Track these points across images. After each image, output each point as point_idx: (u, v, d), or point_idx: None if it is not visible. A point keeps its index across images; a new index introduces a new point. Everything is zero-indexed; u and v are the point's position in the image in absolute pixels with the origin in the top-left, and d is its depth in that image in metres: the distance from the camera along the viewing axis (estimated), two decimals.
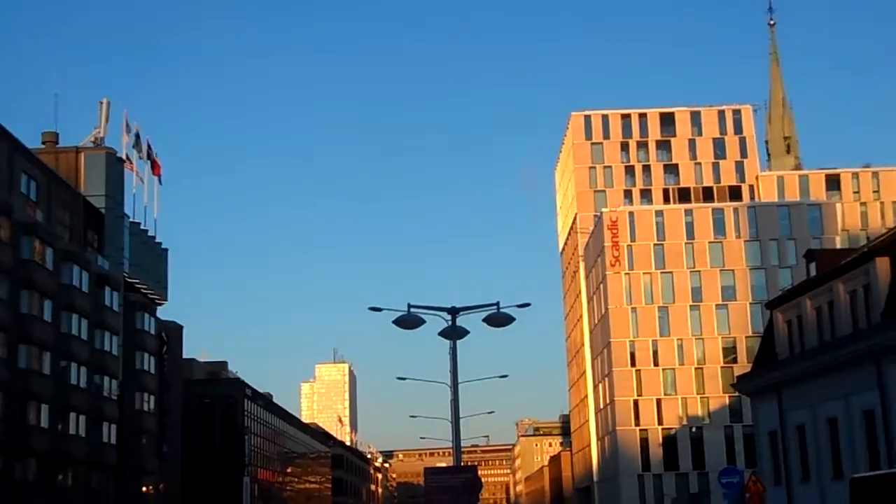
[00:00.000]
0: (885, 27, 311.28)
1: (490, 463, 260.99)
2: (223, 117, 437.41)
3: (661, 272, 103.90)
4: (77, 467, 61.57)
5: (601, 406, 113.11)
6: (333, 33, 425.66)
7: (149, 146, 76.28)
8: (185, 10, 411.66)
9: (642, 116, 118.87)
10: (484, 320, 27.11)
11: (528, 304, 30.85)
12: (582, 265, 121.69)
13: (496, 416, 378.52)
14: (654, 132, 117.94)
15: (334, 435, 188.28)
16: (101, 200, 68.81)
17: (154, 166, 77.14)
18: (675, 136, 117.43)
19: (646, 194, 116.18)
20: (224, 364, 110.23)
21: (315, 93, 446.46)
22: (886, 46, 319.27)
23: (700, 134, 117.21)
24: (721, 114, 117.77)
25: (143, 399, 72.59)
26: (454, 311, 27.47)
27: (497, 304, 27.29)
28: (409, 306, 27.00)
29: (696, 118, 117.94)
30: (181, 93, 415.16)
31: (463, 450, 32.80)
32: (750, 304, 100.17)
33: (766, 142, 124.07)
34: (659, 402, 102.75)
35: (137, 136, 75.09)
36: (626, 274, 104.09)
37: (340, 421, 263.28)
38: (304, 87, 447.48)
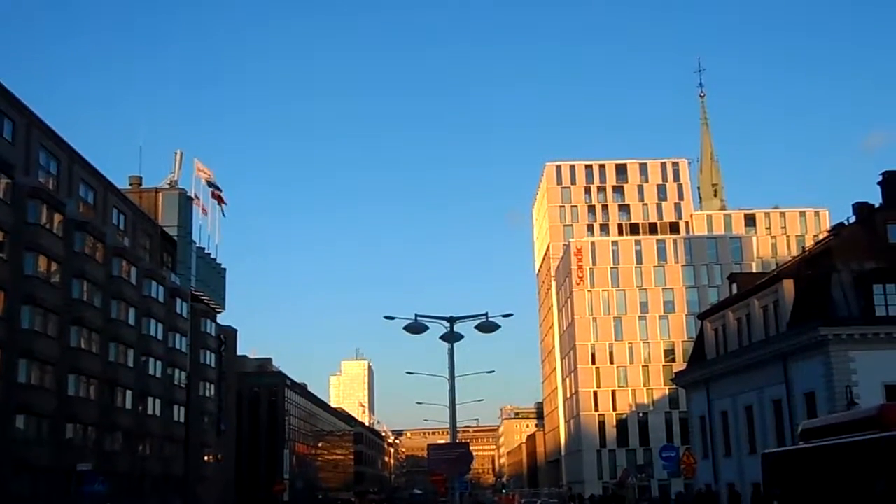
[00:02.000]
0: (790, 99, 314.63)
1: (479, 440, 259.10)
2: (274, 163, 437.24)
3: (616, 290, 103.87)
4: (153, 440, 61.43)
5: (568, 395, 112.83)
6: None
7: (217, 186, 76.43)
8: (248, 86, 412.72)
9: (602, 166, 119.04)
10: (476, 327, 26.86)
11: (510, 315, 30.50)
12: (553, 283, 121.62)
13: (484, 403, 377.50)
14: (611, 179, 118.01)
15: (356, 417, 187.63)
16: (175, 230, 68.58)
17: (220, 201, 76.90)
18: (627, 182, 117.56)
19: (604, 228, 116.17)
20: (269, 360, 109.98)
21: (318, 129, 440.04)
22: (791, 112, 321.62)
23: (647, 181, 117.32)
24: (663, 165, 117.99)
25: (205, 387, 72.48)
26: (452, 320, 27.31)
27: (486, 314, 27.00)
28: (416, 316, 26.76)
29: (643, 168, 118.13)
30: (244, 149, 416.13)
31: (458, 429, 32.85)
32: (685, 315, 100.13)
33: (698, 187, 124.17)
34: (614, 392, 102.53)
35: (212, 179, 75.18)
36: (588, 291, 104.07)
37: (361, 406, 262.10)
38: (309, 122, 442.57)
